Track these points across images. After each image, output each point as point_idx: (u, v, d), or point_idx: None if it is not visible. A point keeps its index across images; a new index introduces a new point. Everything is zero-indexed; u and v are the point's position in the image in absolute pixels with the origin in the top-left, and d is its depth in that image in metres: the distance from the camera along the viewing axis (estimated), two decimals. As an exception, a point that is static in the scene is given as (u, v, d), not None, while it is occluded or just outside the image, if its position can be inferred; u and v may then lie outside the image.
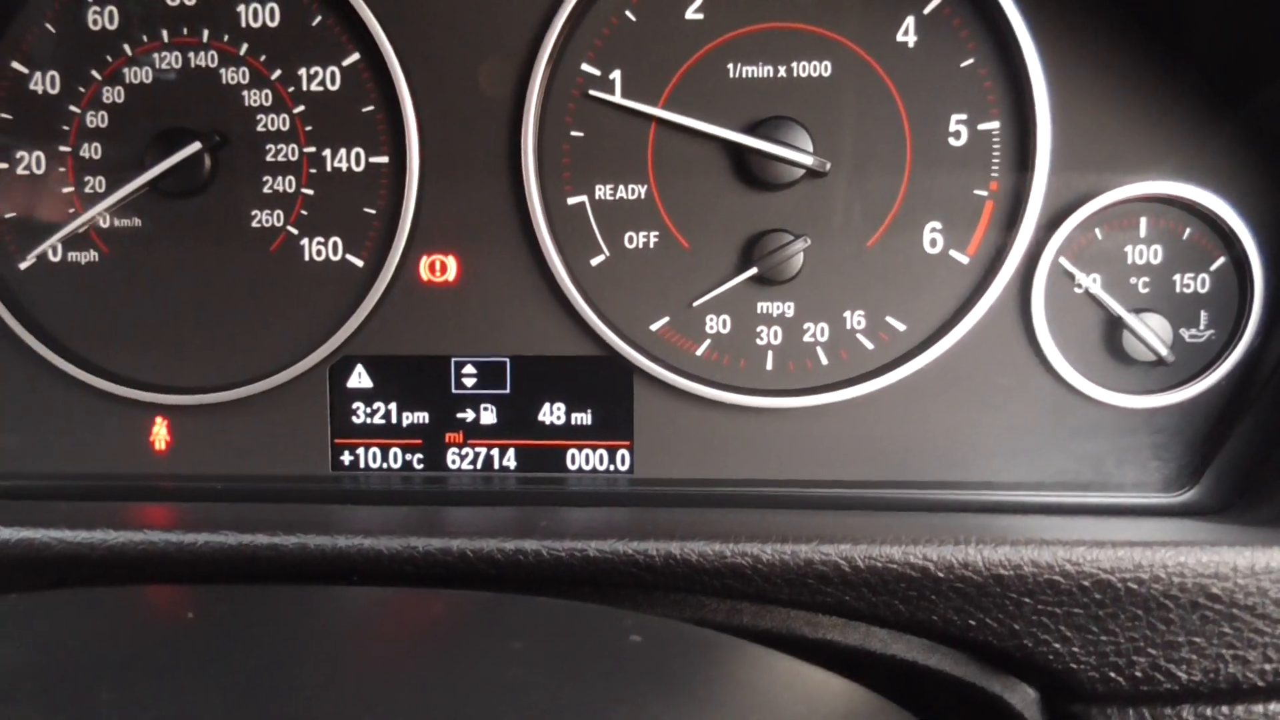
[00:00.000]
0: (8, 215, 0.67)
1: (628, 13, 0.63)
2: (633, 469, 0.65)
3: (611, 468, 0.66)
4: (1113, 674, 0.47)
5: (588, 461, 0.66)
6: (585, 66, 0.63)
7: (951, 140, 0.62)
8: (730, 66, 0.63)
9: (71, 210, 0.67)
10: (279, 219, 0.66)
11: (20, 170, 0.67)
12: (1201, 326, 0.63)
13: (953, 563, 0.46)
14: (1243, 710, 0.48)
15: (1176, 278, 0.63)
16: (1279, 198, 0.61)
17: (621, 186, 0.64)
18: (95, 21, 0.66)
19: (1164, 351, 0.62)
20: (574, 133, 0.64)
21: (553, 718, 0.34)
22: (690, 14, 0.63)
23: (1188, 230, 0.62)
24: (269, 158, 0.66)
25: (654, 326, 0.64)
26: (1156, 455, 0.62)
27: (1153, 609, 0.45)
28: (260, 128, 0.66)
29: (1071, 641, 0.47)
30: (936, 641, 0.49)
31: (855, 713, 0.41)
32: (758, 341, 0.64)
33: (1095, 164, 0.62)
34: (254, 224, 0.66)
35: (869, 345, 0.63)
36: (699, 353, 0.64)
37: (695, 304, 0.64)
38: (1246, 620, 0.45)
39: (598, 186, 0.64)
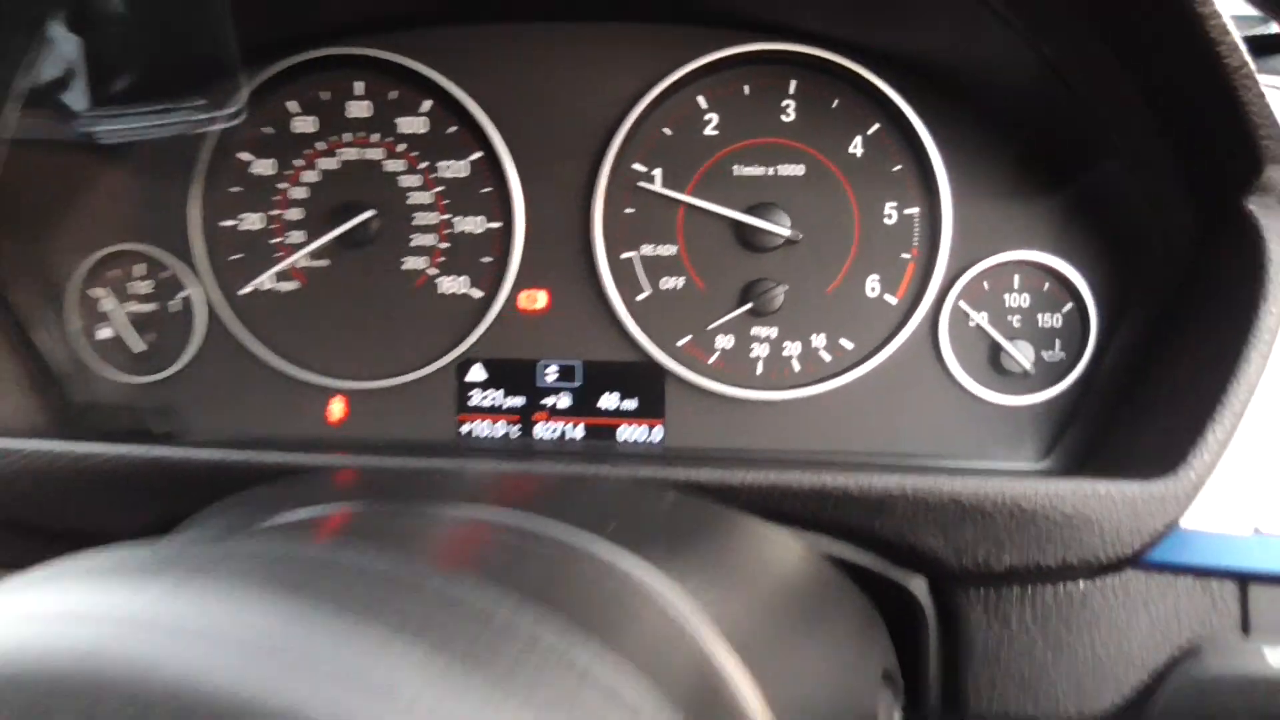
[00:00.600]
0: (232, 258, 0.97)
1: (665, 129, 0.92)
2: (664, 440, 0.94)
3: (649, 439, 0.94)
4: (966, 562, 0.74)
5: (633, 434, 0.95)
6: (636, 165, 0.92)
7: (886, 220, 0.91)
8: (735, 166, 0.92)
9: (278, 255, 0.96)
10: (423, 264, 0.95)
11: (242, 227, 0.96)
12: (1056, 350, 0.90)
13: (866, 485, 0.74)
14: (1050, 586, 0.75)
15: (1039, 316, 0.90)
16: (1108, 261, 0.89)
17: (660, 246, 0.93)
18: (297, 127, 0.96)
19: (1028, 366, 0.89)
20: (627, 210, 0.93)
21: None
22: (708, 131, 0.92)
23: (1046, 284, 0.89)
24: (416, 222, 0.95)
25: (680, 343, 0.93)
26: (1022, 438, 0.90)
27: (988, 517, 0.72)
28: (410, 201, 0.95)
29: (940, 539, 0.74)
30: (858, 544, 0.77)
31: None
32: (751, 354, 0.92)
33: (983, 237, 0.89)
34: (404, 267, 0.95)
35: (827, 358, 0.92)
36: (710, 361, 0.93)
37: (709, 328, 0.92)
38: (1041, 525, 0.72)
39: (643, 246, 0.93)
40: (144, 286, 0.97)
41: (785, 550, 0.70)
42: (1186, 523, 0.72)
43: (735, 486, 0.75)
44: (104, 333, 0.97)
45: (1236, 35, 0.66)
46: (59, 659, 0.32)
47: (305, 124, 0.94)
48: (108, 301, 0.96)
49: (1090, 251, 0.88)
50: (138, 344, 0.96)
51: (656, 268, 0.92)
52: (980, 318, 0.89)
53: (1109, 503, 0.71)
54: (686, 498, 0.71)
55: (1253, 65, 0.67)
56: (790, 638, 0.59)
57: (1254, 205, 0.73)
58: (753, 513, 0.71)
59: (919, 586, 0.79)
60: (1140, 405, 0.82)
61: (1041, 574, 0.74)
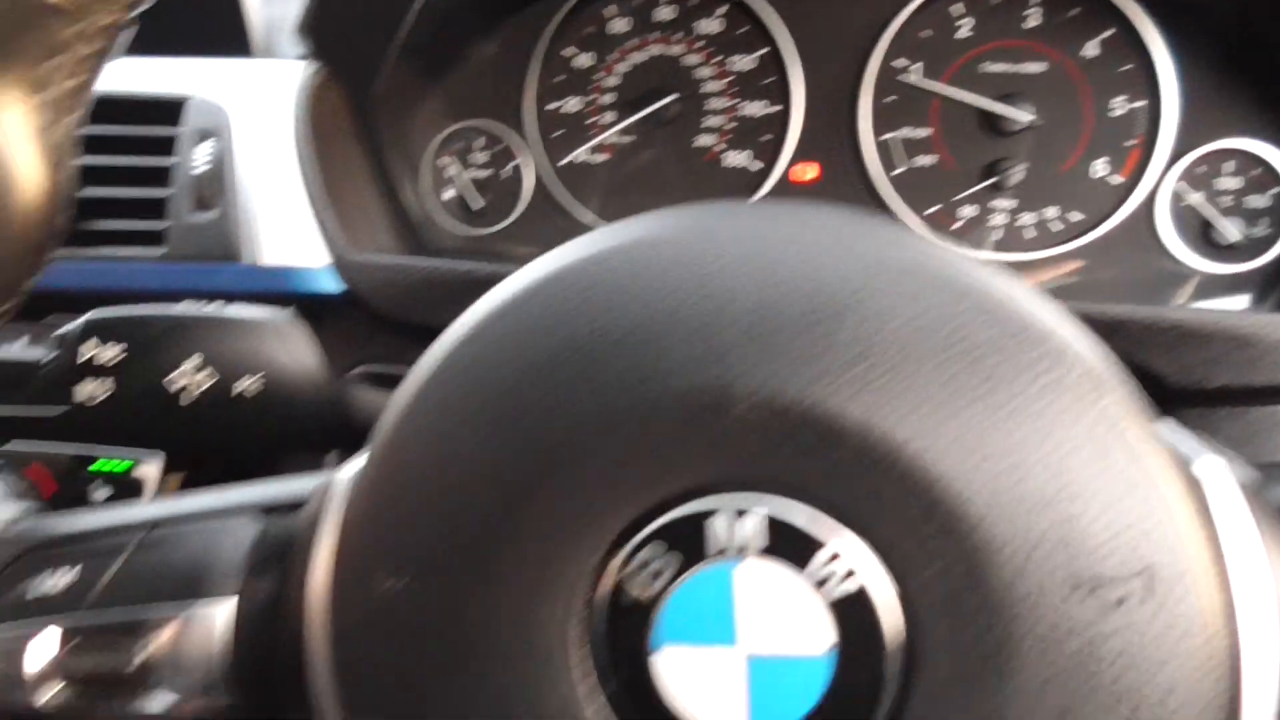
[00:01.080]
0: (555, 134, 1.19)
1: (925, 30, 1.10)
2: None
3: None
4: (1185, 381, 0.91)
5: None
6: (899, 61, 1.10)
7: (1115, 112, 1.07)
8: (984, 63, 1.08)
9: (593, 132, 1.18)
10: (712, 141, 1.15)
11: (565, 109, 1.19)
12: (1264, 226, 1.05)
13: (1100, 311, 0.91)
14: (1257, 409, 0.92)
15: (1249, 197, 1.05)
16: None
17: (917, 129, 1.10)
18: (613, 27, 1.17)
19: (1236, 239, 1.04)
20: (889, 98, 1.11)
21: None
22: (961, 33, 1.09)
23: (1256, 168, 1.04)
24: (708, 107, 1.15)
25: (928, 211, 1.11)
26: (1231, 300, 1.05)
27: (1206, 340, 0.89)
28: (704, 89, 1.15)
29: (1163, 359, 0.91)
30: None
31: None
32: (990, 223, 1.09)
33: (1200, 127, 1.04)
34: (696, 144, 1.16)
35: (1057, 228, 1.08)
36: (953, 228, 1.11)
37: (955, 199, 1.10)
38: (1256, 347, 0.88)
39: (902, 129, 1.11)
40: (483, 156, 1.20)
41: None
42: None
43: None
44: (449, 193, 1.20)
45: None
46: None
47: (620, 25, 1.15)
48: (453, 167, 1.20)
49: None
50: (476, 202, 1.20)
51: (913, 148, 1.10)
52: (1194, 197, 1.04)
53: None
54: None
55: None
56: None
57: None
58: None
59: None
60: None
61: (1251, 395, 0.90)
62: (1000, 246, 1.09)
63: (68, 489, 1.06)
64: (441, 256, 1.19)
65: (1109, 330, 0.91)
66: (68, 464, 1.06)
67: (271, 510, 0.48)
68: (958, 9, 1.08)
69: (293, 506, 0.47)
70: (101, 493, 1.06)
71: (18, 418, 0.79)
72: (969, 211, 1.09)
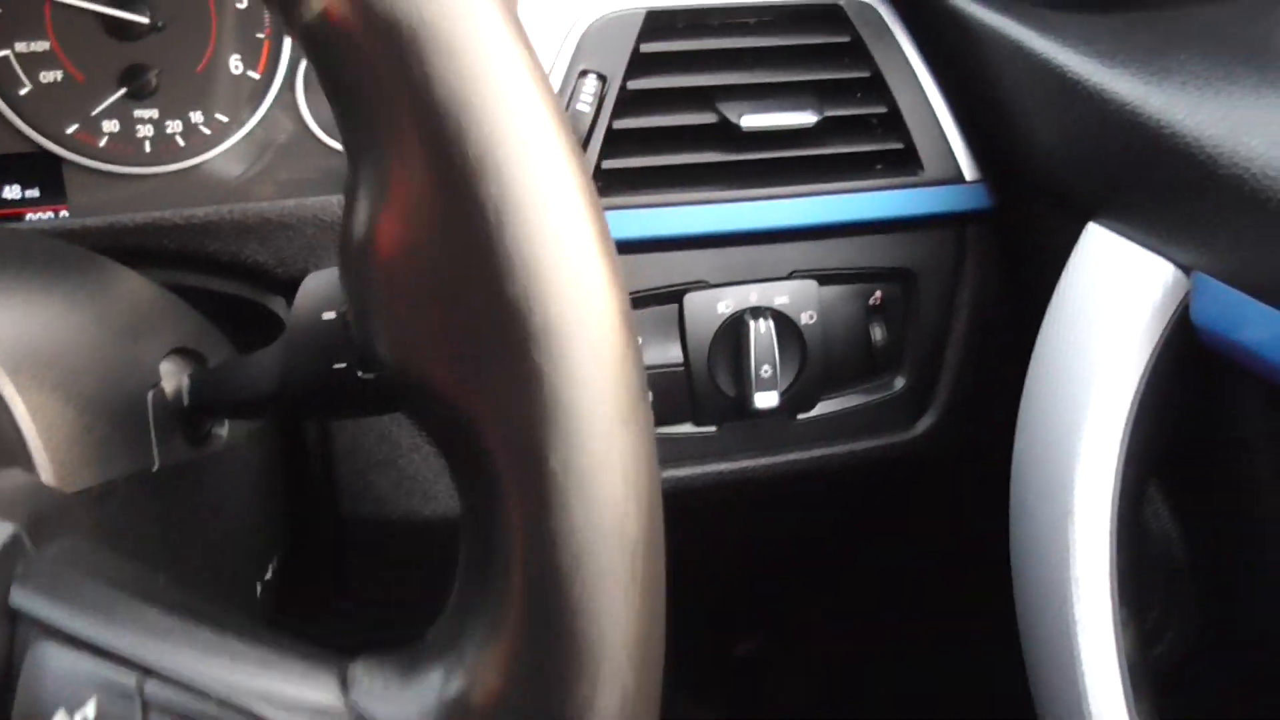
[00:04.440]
0: None
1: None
2: (69, 219, 1.05)
3: (57, 221, 1.05)
4: (295, 272, 0.92)
5: (41, 219, 1.05)
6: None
7: (239, 5, 1.05)
8: (92, -36, 1.02)
9: None
10: None
11: None
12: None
13: (189, 215, 0.90)
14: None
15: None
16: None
17: (33, 43, 1.02)
18: None
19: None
20: (-4, 11, 1.01)
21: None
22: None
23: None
24: None
25: (69, 130, 1.04)
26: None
27: (298, 230, 0.90)
28: None
29: (261, 253, 0.91)
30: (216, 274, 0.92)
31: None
32: (138, 135, 1.05)
33: None
34: None
35: (206, 132, 1.06)
36: (101, 144, 1.04)
37: (92, 114, 1.04)
38: None
39: (16, 44, 1.02)
40: None
41: (100, 275, 0.83)
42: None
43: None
44: None
45: None
46: None
47: None
48: None
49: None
50: None
51: (33, 64, 1.01)
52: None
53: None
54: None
55: None
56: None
57: None
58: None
59: (279, 304, 0.96)
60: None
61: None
62: (154, 159, 1.04)
63: None
64: None
65: (202, 231, 0.90)
66: None
67: None
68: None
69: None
70: None
71: None
72: (111, 126, 1.03)
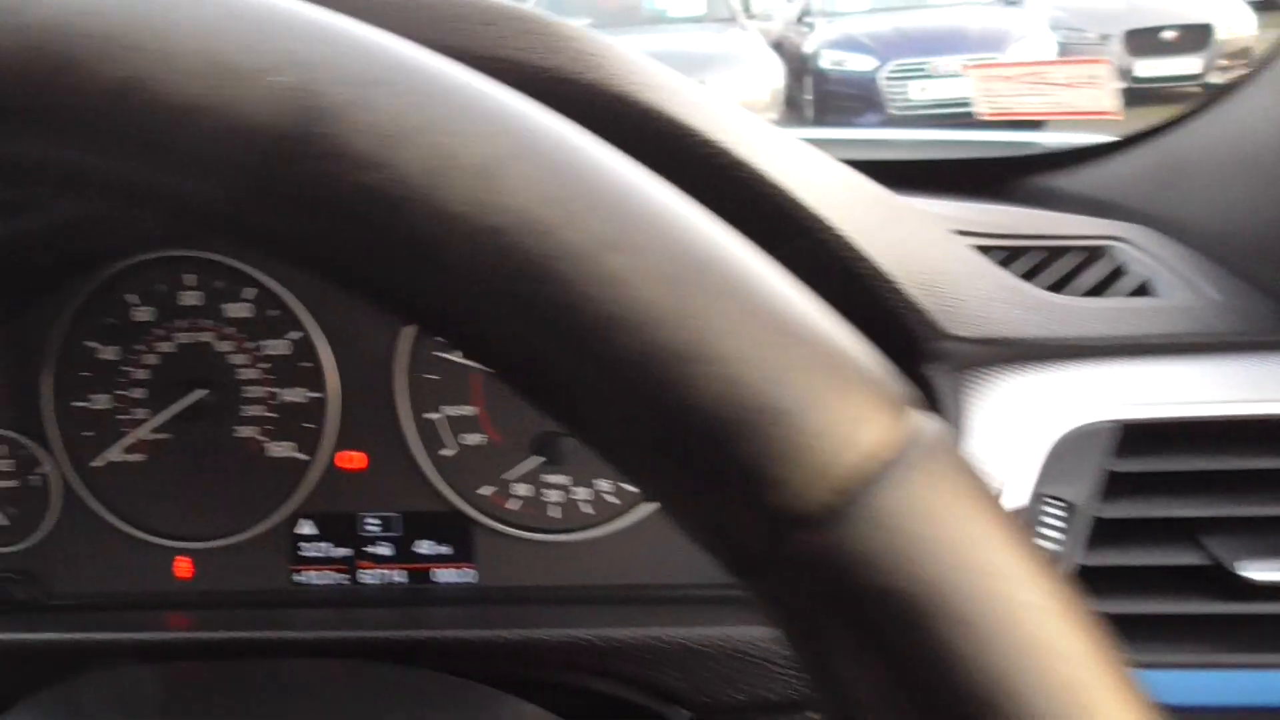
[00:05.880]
0: (84, 434, 1.07)
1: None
2: (479, 580, 1.04)
3: (464, 580, 1.05)
4: (707, 698, 0.84)
5: (449, 577, 1.05)
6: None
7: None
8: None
9: (124, 430, 1.07)
10: (253, 432, 1.05)
11: (92, 407, 1.07)
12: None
13: (607, 636, 0.85)
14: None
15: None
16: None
17: (461, 407, 1.03)
18: (137, 316, 1.07)
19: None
20: (428, 375, 1.04)
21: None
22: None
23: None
24: (245, 395, 1.05)
25: (482, 491, 1.04)
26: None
27: (713, 659, 0.83)
28: (239, 377, 1.05)
29: (680, 678, 0.84)
30: (616, 682, 0.87)
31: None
32: (546, 500, 1.03)
33: None
34: (236, 435, 1.06)
35: (612, 501, 1.03)
36: (510, 507, 1.03)
37: (503, 477, 1.03)
38: (767, 666, 0.83)
39: (445, 407, 1.04)
40: (4, 465, 1.07)
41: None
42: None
43: (534, 644, 0.85)
44: (-30, 508, 1.07)
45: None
46: None
47: (144, 313, 1.06)
48: (-29, 480, 1.07)
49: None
50: (0, 518, 1.07)
51: (460, 426, 1.03)
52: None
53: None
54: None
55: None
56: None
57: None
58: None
59: (680, 714, 0.89)
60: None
61: (772, 708, 0.84)
62: (561, 526, 1.02)
63: None
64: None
65: (616, 654, 0.85)
66: None
67: None
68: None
69: None
70: None
71: None
72: (522, 490, 1.02)
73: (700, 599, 0.99)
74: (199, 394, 1.04)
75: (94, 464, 1.06)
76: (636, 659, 0.84)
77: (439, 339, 1.02)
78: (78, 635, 0.90)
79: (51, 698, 0.79)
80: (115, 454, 1.06)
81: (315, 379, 1.04)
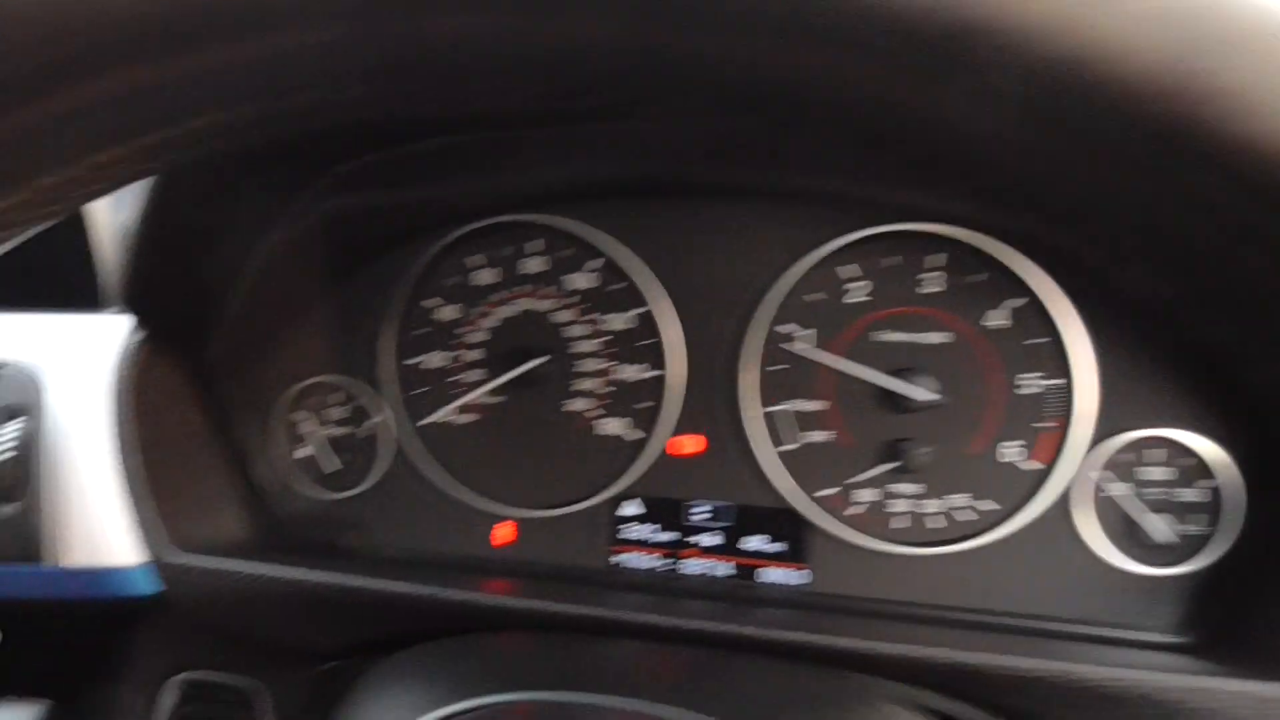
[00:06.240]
0: (417, 391, 1.08)
1: (815, 295, 0.98)
2: (808, 585, 0.99)
3: (792, 582, 1.00)
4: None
5: (775, 576, 1.00)
6: (786, 326, 0.97)
7: (1026, 390, 0.94)
8: (882, 332, 0.96)
9: (458, 391, 1.06)
10: (585, 406, 1.03)
11: (427, 365, 1.07)
12: (1198, 523, 0.91)
13: (1001, 664, 0.78)
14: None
15: (1180, 489, 0.91)
16: (1252, 439, 0.90)
17: (810, 401, 0.98)
18: (480, 279, 1.06)
19: (1165, 539, 0.91)
20: (778, 366, 0.99)
21: None
22: (856, 298, 0.97)
23: (1188, 458, 0.91)
24: (581, 369, 1.03)
25: (822, 493, 0.98)
26: (1161, 610, 0.91)
27: (1122, 705, 0.75)
28: (577, 349, 1.03)
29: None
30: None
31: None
32: (890, 509, 0.97)
33: (1124, 412, 0.91)
34: (567, 409, 1.03)
35: (965, 518, 0.95)
36: (850, 513, 0.98)
37: (849, 481, 0.97)
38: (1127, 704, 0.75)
39: (793, 400, 0.98)
40: (339, 413, 1.08)
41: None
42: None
43: (872, 656, 0.80)
44: (303, 453, 1.09)
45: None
46: None
47: (487, 276, 1.04)
48: (307, 425, 1.08)
49: (1234, 428, 0.89)
50: (331, 463, 1.08)
51: (805, 421, 0.98)
52: (1119, 489, 0.92)
53: (1254, 702, 0.73)
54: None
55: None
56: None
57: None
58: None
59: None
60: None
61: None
62: (904, 538, 0.96)
63: None
64: (291, 527, 1.07)
65: (1012, 686, 0.78)
66: None
67: None
68: (849, 271, 0.97)
69: None
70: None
71: None
72: (866, 495, 0.97)
73: (1051, 633, 0.91)
74: (540, 360, 1.02)
75: (426, 421, 1.06)
76: (985, 684, 0.77)
77: (791, 328, 0.97)
78: (399, 588, 0.89)
79: (441, 650, 0.79)
80: (448, 413, 1.05)
81: (657, 357, 1.01)
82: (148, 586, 0.95)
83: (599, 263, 1.02)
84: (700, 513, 1.01)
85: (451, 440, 1.06)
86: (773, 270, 0.97)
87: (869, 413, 0.97)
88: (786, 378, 0.98)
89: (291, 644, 0.96)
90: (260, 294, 0.98)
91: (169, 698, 0.98)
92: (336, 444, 1.08)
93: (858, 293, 0.97)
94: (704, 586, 1.01)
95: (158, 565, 0.93)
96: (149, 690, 0.97)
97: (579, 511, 1.03)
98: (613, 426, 1.02)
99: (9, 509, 0.94)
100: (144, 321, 0.96)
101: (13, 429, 0.95)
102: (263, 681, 0.97)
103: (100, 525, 0.96)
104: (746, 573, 1.00)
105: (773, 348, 0.98)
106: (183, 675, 0.98)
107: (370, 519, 1.07)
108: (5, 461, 0.94)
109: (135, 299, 0.93)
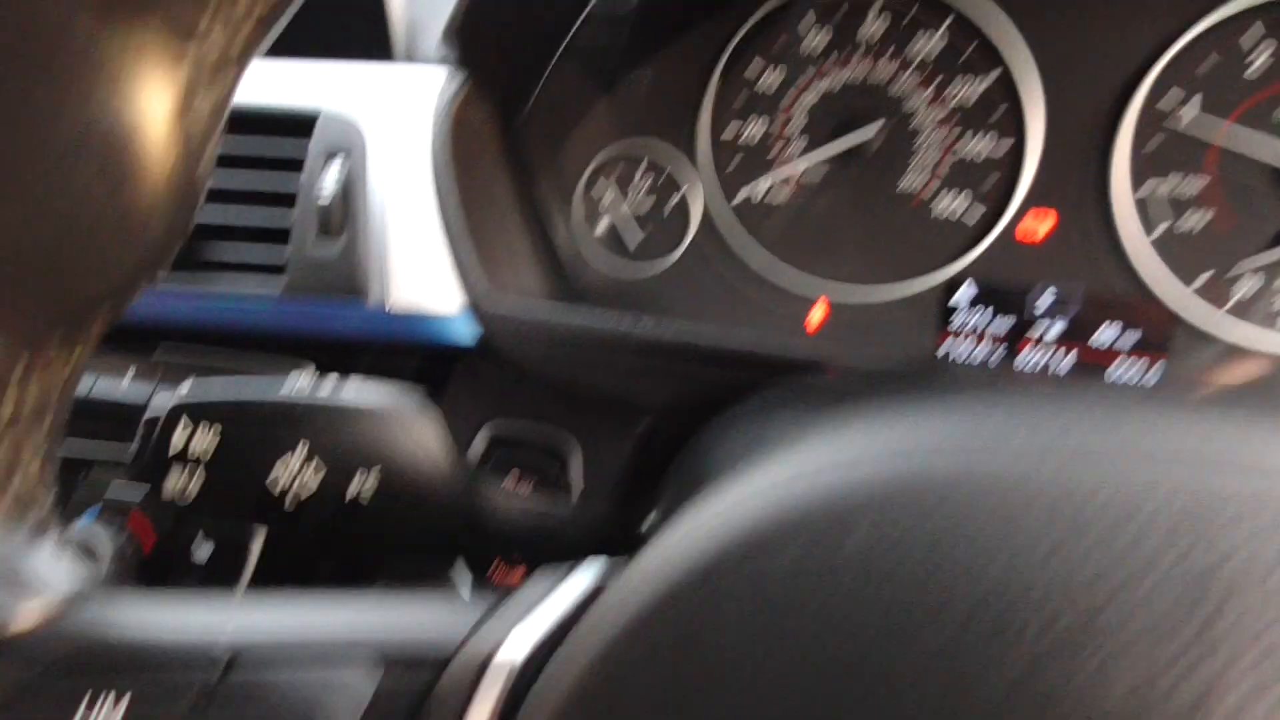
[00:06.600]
0: (731, 164, 1.01)
1: (1204, 64, 0.87)
2: (1162, 382, 0.91)
3: (1145, 378, 0.92)
4: None
5: (1127, 373, 0.92)
6: (1168, 100, 0.88)
7: None
8: (1283, 104, 0.86)
9: (776, 165, 1.00)
10: (921, 182, 0.96)
11: (745, 136, 1.01)
12: None
13: None
14: None
15: None
16: None
17: (1185, 181, 0.88)
18: (810, 40, 0.98)
19: None
20: (1153, 142, 0.89)
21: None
22: (1253, 68, 0.86)
23: None
24: (919, 142, 0.96)
25: (1193, 285, 0.89)
26: None
27: None
28: (916, 120, 0.96)
29: None
30: None
31: None
32: (1276, 306, 0.88)
33: None
34: (901, 186, 0.97)
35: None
36: (1226, 308, 0.89)
37: (1230, 273, 0.88)
38: None
39: (1167, 180, 0.89)
40: (645, 184, 1.03)
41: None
42: None
43: None
44: (603, 225, 1.04)
45: None
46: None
47: (818, 39, 0.97)
48: (610, 196, 1.04)
49: None
50: (634, 237, 1.03)
51: (1178, 204, 0.88)
52: None
53: None
54: None
55: None
56: None
57: None
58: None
59: None
60: None
61: None
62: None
63: (169, 542, 0.95)
64: (589, 300, 1.03)
65: None
66: (172, 513, 0.97)
67: (393, 663, 0.41)
68: (1253, 34, 0.86)
69: (421, 663, 0.40)
70: (204, 550, 0.96)
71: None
72: (1252, 284, 0.87)
73: None
74: (875, 125, 0.94)
75: (737, 195, 1.00)
76: None
77: (1173, 101, 0.87)
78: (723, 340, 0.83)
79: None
80: (766, 185, 0.99)
81: (1011, 127, 0.92)
82: (464, 336, 0.93)
83: (949, 19, 0.93)
84: (1044, 300, 0.93)
85: (766, 216, 1.00)
86: (1161, 33, 0.87)
87: (1258, 194, 0.86)
88: (1158, 156, 0.88)
89: (612, 395, 0.92)
90: (588, 38, 0.93)
91: (481, 442, 0.97)
92: (640, 219, 1.03)
93: (1258, 60, 0.86)
94: (1040, 383, 0.93)
95: (476, 311, 0.91)
96: (464, 435, 0.96)
97: (906, 296, 0.96)
98: (952, 205, 0.95)
99: (335, 245, 0.93)
100: (467, 61, 0.91)
101: (336, 167, 0.93)
102: (575, 435, 0.95)
103: (421, 270, 0.94)
104: (1091, 369, 0.92)
105: (1150, 121, 0.88)
106: (497, 419, 0.96)
107: (670, 298, 1.02)
108: (331, 198, 0.92)
109: (463, 33, 0.88)
